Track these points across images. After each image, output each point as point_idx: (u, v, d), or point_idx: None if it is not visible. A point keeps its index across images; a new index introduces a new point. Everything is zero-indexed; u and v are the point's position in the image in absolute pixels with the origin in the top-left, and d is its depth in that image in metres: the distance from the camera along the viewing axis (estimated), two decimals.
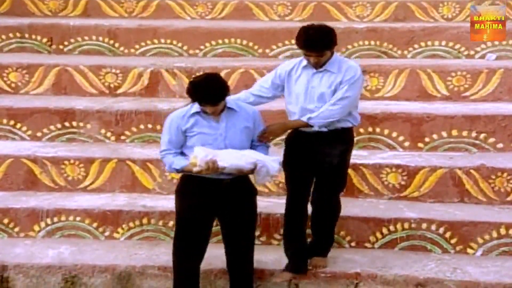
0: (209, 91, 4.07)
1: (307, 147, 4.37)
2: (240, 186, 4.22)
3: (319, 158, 4.34)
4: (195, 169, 4.07)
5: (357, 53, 6.40)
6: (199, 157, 4.04)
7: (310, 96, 4.35)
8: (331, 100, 4.30)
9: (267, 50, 6.50)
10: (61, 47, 6.67)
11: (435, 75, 5.91)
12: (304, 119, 4.32)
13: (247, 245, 4.32)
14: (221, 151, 4.11)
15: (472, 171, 5.12)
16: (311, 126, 4.32)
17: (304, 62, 4.38)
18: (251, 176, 4.29)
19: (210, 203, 4.20)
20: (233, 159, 4.08)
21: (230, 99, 4.26)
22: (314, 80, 4.35)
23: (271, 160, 4.20)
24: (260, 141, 4.30)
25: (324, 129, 4.33)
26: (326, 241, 4.56)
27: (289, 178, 4.49)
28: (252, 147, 4.29)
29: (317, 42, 4.25)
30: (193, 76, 6.01)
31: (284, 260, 4.59)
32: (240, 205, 4.24)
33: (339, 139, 4.37)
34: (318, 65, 4.34)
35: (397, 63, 6.08)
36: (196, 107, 4.20)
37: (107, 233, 5.08)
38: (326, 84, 4.33)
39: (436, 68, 5.93)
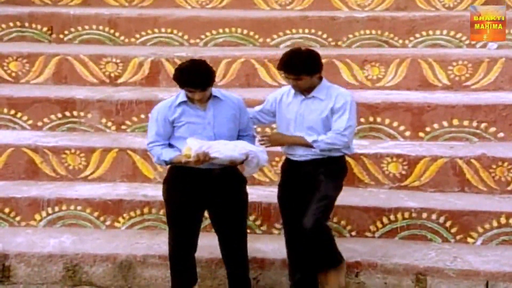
0: (197, 75, 4.05)
1: (301, 176, 4.28)
2: (229, 175, 4.21)
3: (312, 185, 4.24)
4: (185, 160, 4.03)
5: (358, 43, 6.38)
6: (193, 148, 4.02)
7: (300, 123, 4.27)
8: (336, 129, 4.18)
9: (268, 40, 6.48)
10: (61, 36, 6.65)
11: (436, 64, 5.90)
12: (309, 139, 4.22)
13: (241, 234, 4.31)
14: (214, 142, 4.09)
15: (472, 160, 5.12)
16: (311, 147, 4.22)
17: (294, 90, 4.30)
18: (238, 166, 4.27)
19: (201, 194, 4.18)
20: (226, 150, 4.07)
21: (215, 89, 4.23)
22: (302, 107, 4.27)
23: (260, 151, 4.20)
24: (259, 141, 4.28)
25: (318, 156, 4.23)
26: (326, 251, 4.35)
27: (281, 207, 4.42)
28: (239, 136, 4.27)
29: (295, 65, 4.17)
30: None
31: (284, 249, 4.58)
32: (231, 194, 4.23)
33: (332, 167, 4.27)
34: (299, 90, 4.25)
35: (398, 53, 6.06)
36: (182, 96, 4.17)
37: (108, 223, 5.10)
38: (316, 112, 4.24)
39: (437, 58, 5.92)
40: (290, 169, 4.36)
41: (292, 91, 4.32)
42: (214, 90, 4.22)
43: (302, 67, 4.18)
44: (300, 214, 4.25)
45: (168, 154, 4.16)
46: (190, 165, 4.06)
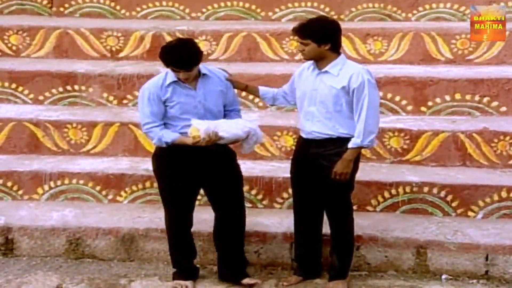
0: (182, 55, 4.00)
1: (310, 154, 4.21)
2: (222, 151, 4.19)
3: (321, 164, 4.16)
4: (193, 141, 4.00)
5: (361, 16, 6.34)
6: (201, 129, 4.00)
7: (314, 97, 4.17)
8: (361, 116, 4.05)
9: (270, 13, 6.44)
10: (61, 9, 6.62)
11: (439, 38, 5.86)
12: (355, 144, 4.05)
13: (240, 208, 4.30)
14: (217, 122, 4.08)
15: (474, 134, 5.12)
16: (365, 147, 4.15)
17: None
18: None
19: (195, 170, 4.16)
20: (231, 128, 4.07)
21: (202, 66, 4.17)
22: (317, 81, 4.18)
23: (257, 127, 4.19)
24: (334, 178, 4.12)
25: (325, 136, 4.13)
26: (343, 260, 4.31)
27: (293, 182, 4.37)
28: (225, 111, 4.25)
29: (304, 26, 4.07)
30: (195, 39, 6.01)
31: (285, 223, 4.62)
32: (226, 168, 4.22)
33: (342, 147, 4.13)
34: (305, 58, 4.15)
35: (401, 26, 6.02)
36: (171, 76, 4.11)
37: (110, 197, 5.12)
38: (327, 87, 4.13)
39: (440, 31, 5.88)
40: (301, 145, 4.32)
41: (312, 65, 4.22)
42: (201, 67, 4.17)
43: (309, 30, 4.07)
44: (309, 192, 4.26)
45: (170, 136, 4.11)
46: (197, 146, 4.02)
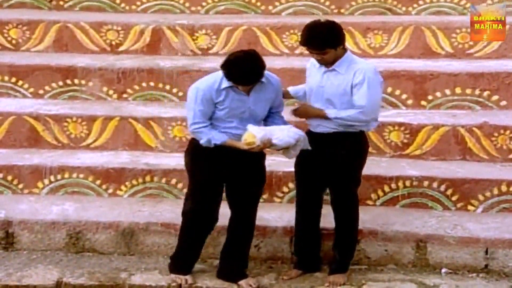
0: (248, 72, 3.97)
1: (317, 149, 4.23)
2: (254, 152, 4.16)
3: (328, 159, 4.20)
4: (247, 147, 4.04)
5: (361, 10, 6.33)
6: (258, 136, 4.04)
7: (320, 95, 4.19)
8: (357, 107, 4.09)
9: (270, 7, 6.42)
10: (61, 3, 6.60)
11: (439, 32, 5.85)
12: (331, 114, 4.12)
13: (254, 209, 4.32)
14: (273, 129, 4.11)
15: (474, 128, 5.12)
16: (328, 119, 4.15)
17: None
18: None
19: (226, 168, 4.16)
20: (285, 136, 4.10)
21: None
22: (323, 79, 4.19)
23: (304, 134, 4.21)
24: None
25: (332, 130, 4.16)
26: (345, 254, 4.37)
27: (298, 177, 4.39)
28: (269, 113, 4.25)
29: (317, 40, 4.06)
30: (195, 33, 6.04)
31: (285, 217, 4.63)
32: (253, 171, 4.23)
33: (348, 143, 4.19)
34: (325, 63, 4.16)
35: (402, 20, 6.01)
36: (226, 81, 4.07)
37: (110, 191, 5.12)
38: (335, 85, 4.15)
39: (440, 25, 5.87)
40: (309, 139, 4.31)
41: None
42: None
43: (325, 42, 4.06)
44: (314, 186, 4.27)
45: (220, 138, 4.10)
46: (247, 150, 4.06)
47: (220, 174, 4.19)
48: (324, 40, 4.07)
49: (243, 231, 4.33)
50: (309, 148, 4.19)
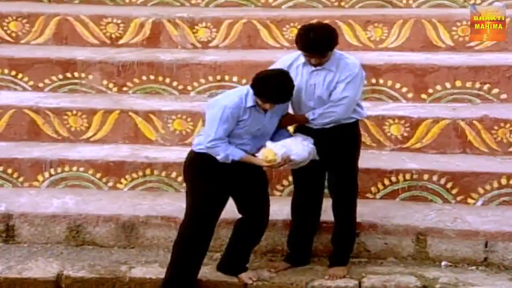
0: (285, 91, 4.00)
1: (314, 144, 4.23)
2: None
3: (326, 155, 4.22)
4: (268, 165, 4.07)
5: (362, 3, 6.31)
6: (279, 154, 4.04)
7: (311, 93, 4.21)
8: (331, 101, 4.15)
9: (270, 0, 6.41)
10: None
11: (440, 25, 5.84)
12: (309, 117, 4.20)
13: (267, 212, 4.33)
14: (289, 144, 4.10)
15: (475, 122, 5.11)
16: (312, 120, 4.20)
17: (303, 59, 4.21)
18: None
19: (231, 181, 4.16)
20: (301, 151, 4.11)
21: None
22: (312, 78, 4.20)
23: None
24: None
25: (327, 126, 4.19)
26: (344, 248, 4.40)
27: (295, 172, 4.39)
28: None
29: (320, 44, 4.08)
30: (195, 26, 6.02)
31: (285, 210, 4.63)
32: (255, 175, 4.23)
33: (344, 135, 4.23)
34: (320, 65, 4.18)
35: (402, 13, 6.00)
36: (251, 99, 4.06)
37: (110, 184, 5.12)
38: (325, 83, 4.17)
39: (441, 18, 5.85)
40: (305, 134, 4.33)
41: (300, 60, 4.23)
42: None
43: (326, 46, 4.10)
44: (314, 180, 4.29)
45: (238, 154, 4.08)
46: (264, 167, 4.10)
47: (225, 186, 4.18)
48: (325, 44, 4.11)
49: (257, 233, 4.35)
50: (317, 158, 4.20)
